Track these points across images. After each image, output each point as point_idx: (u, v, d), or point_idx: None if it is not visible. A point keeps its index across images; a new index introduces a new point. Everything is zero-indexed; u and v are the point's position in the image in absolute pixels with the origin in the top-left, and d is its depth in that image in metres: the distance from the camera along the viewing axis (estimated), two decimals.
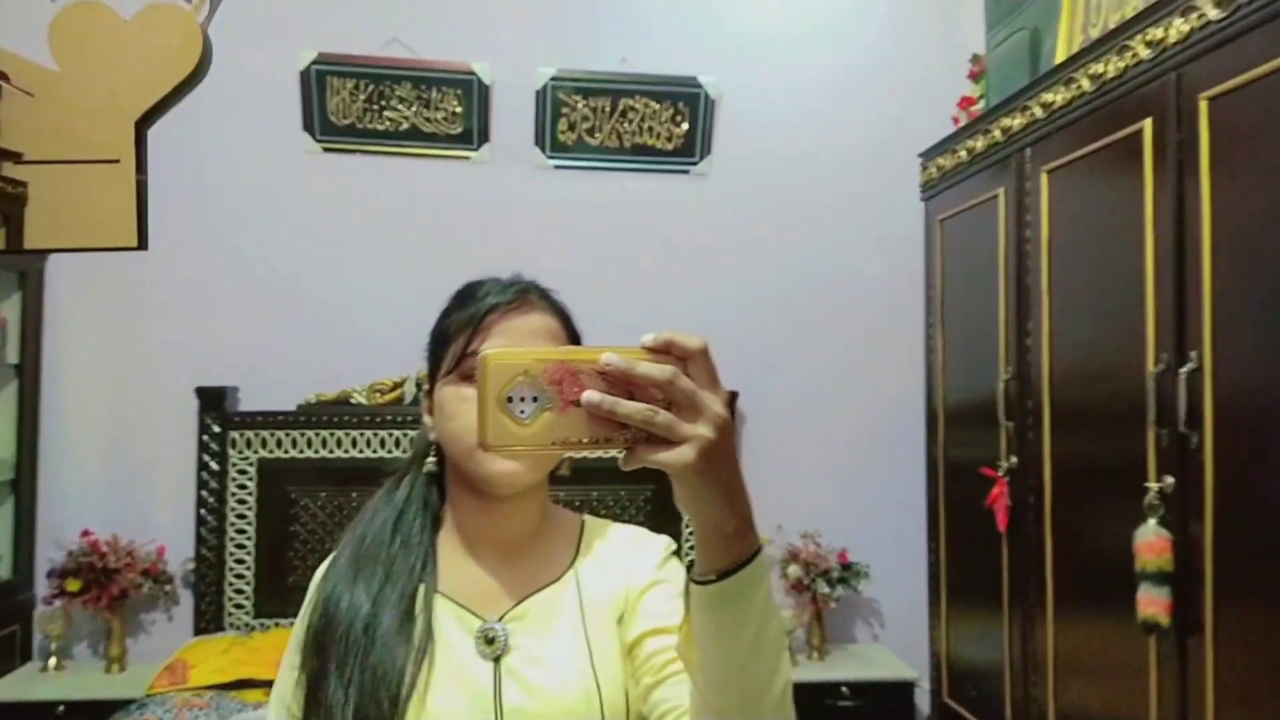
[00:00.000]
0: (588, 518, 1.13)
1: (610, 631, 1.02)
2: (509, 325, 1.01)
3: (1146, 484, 1.81)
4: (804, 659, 3.24)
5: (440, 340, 1.06)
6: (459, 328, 1.03)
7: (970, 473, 2.58)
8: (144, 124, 0.63)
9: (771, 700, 0.79)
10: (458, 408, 1.00)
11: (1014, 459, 2.38)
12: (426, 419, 1.09)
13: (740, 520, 0.72)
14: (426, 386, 1.09)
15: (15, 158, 0.77)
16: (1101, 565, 1.99)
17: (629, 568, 1.05)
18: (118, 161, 0.60)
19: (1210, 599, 1.68)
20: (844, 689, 3.09)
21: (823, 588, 3.20)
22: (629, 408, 0.66)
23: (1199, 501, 1.70)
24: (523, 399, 0.67)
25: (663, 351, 0.69)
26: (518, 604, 1.03)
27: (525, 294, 1.05)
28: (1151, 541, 1.75)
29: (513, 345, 0.95)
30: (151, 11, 0.56)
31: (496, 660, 1.00)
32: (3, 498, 3.23)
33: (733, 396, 3.34)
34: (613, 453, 0.69)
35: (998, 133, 2.46)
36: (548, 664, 1.00)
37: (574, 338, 1.08)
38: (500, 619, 1.02)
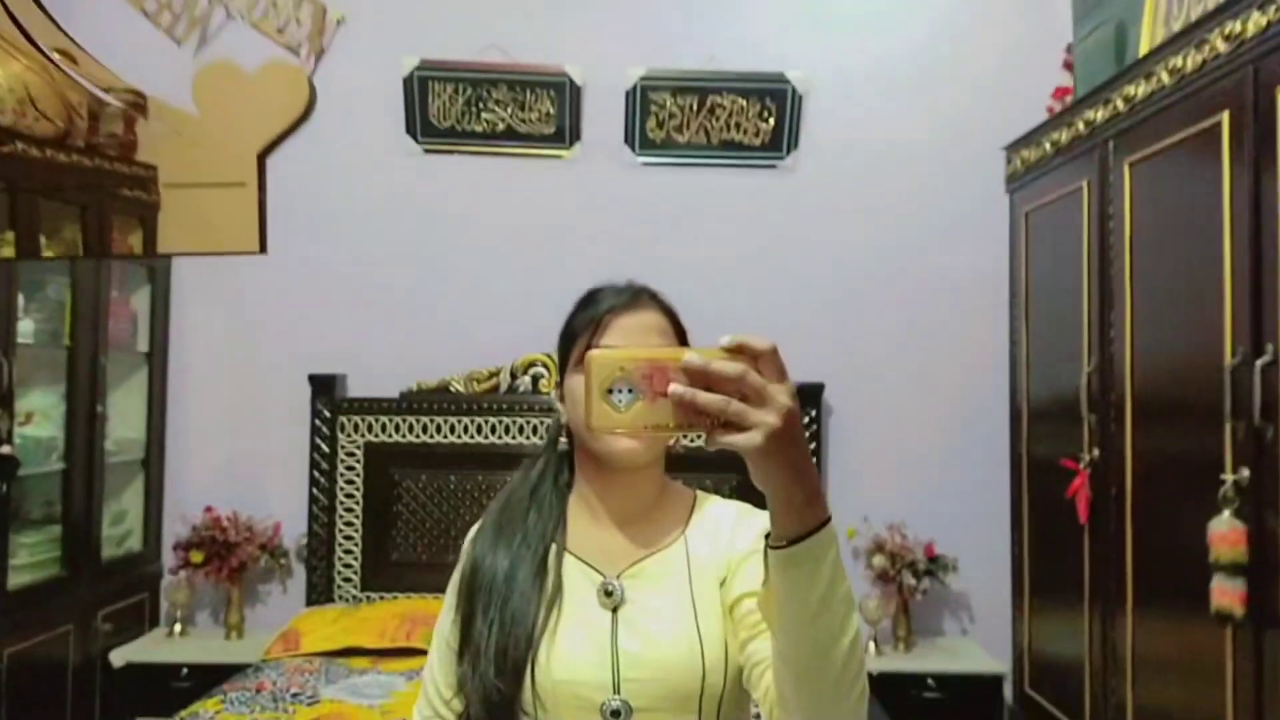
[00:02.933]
0: (700, 493, 1.27)
1: (713, 592, 1.15)
2: (624, 323, 1.16)
3: (1222, 476, 1.81)
4: (890, 650, 3.25)
5: (568, 338, 1.21)
6: (582, 327, 1.18)
7: (1053, 466, 2.58)
8: (264, 155, 0.76)
9: (840, 651, 0.90)
10: (581, 396, 1.12)
11: (1096, 451, 2.37)
12: (559, 406, 1.24)
13: (807, 494, 0.83)
14: (559, 378, 1.25)
15: (152, 169, 0.91)
16: (1179, 559, 1.99)
17: (733, 538, 1.18)
18: (244, 185, 0.73)
19: None
20: (930, 681, 3.09)
21: (909, 579, 3.21)
22: (707, 398, 0.78)
23: (1274, 493, 1.69)
24: (620, 390, 0.81)
25: (736, 351, 0.80)
26: (634, 564, 1.18)
27: (638, 296, 1.20)
28: (1225, 533, 1.75)
29: (626, 342, 1.14)
30: (270, 67, 0.68)
31: (614, 610, 1.15)
32: (134, 475, 3.47)
33: (819, 388, 3.38)
34: (695, 433, 0.82)
35: (1081, 125, 2.45)
36: (657, 616, 1.14)
37: (681, 333, 1.22)
38: (618, 576, 1.17)
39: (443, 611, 1.26)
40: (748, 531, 1.17)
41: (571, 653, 1.13)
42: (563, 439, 1.25)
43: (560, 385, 1.24)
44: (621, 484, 1.20)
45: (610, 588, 1.16)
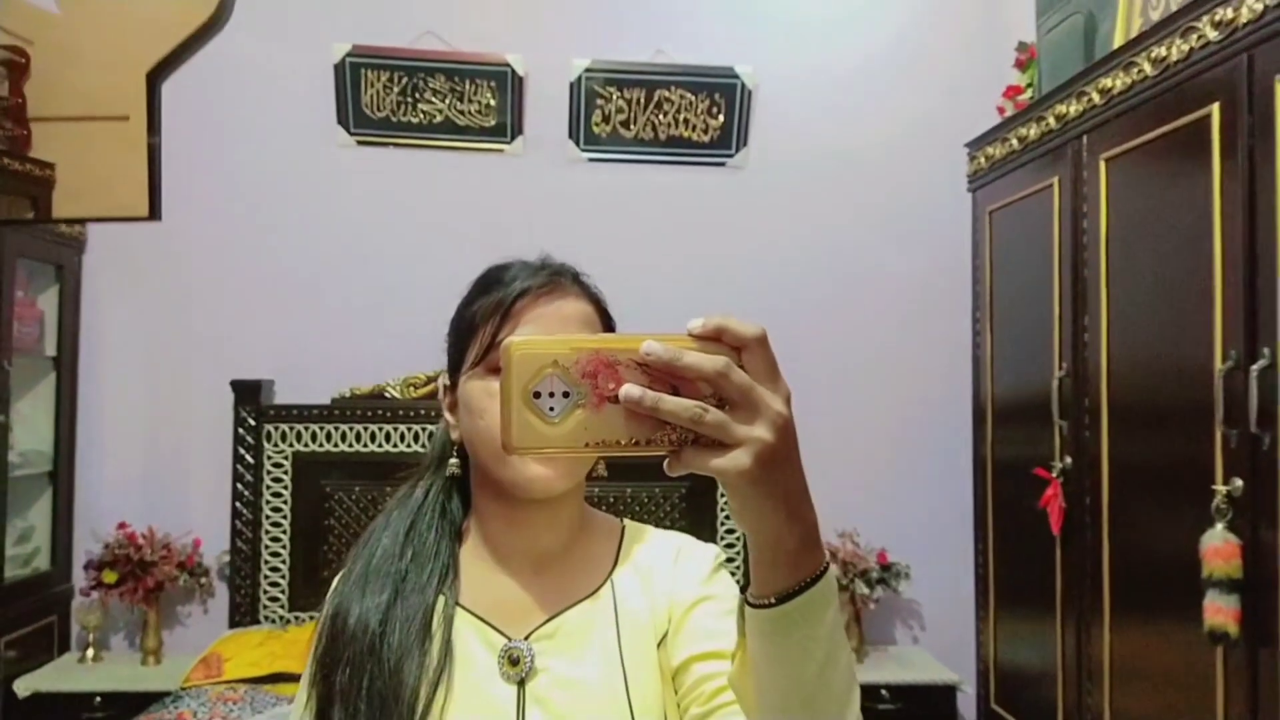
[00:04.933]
0: (628, 523, 1.04)
1: (649, 653, 0.93)
2: (540, 312, 0.93)
3: (1214, 487, 1.73)
4: None
5: (465, 329, 0.97)
6: (485, 315, 0.94)
7: (1020, 473, 2.51)
8: (157, 77, 0.57)
9: None
10: (486, 404, 0.91)
11: (1068, 459, 2.30)
12: (448, 416, 1.01)
13: (804, 535, 0.64)
14: (447, 381, 1.01)
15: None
16: (1164, 570, 1.92)
17: (673, 582, 0.96)
18: (127, 119, 0.54)
19: None
20: (884, 691, 3.02)
21: (861, 588, 3.14)
22: (674, 405, 0.59)
23: (1271, 506, 1.62)
24: (552, 394, 0.60)
25: (713, 340, 0.61)
26: (547, 621, 0.95)
27: (557, 277, 0.97)
28: (1220, 547, 1.67)
29: (543, 334, 0.90)
30: None
31: (521, 683, 0.92)
32: (40, 490, 3.24)
33: None
34: (656, 454, 0.61)
35: (1052, 120, 2.37)
36: (578, 689, 0.91)
37: (610, 327, 1.00)
38: (527, 637, 0.94)
39: (300, 686, 0.99)
40: (693, 571, 0.97)
41: None
42: (453, 460, 1.00)
43: (451, 390, 0.99)
44: (531, 519, 0.96)
45: (516, 654, 0.92)
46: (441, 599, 0.94)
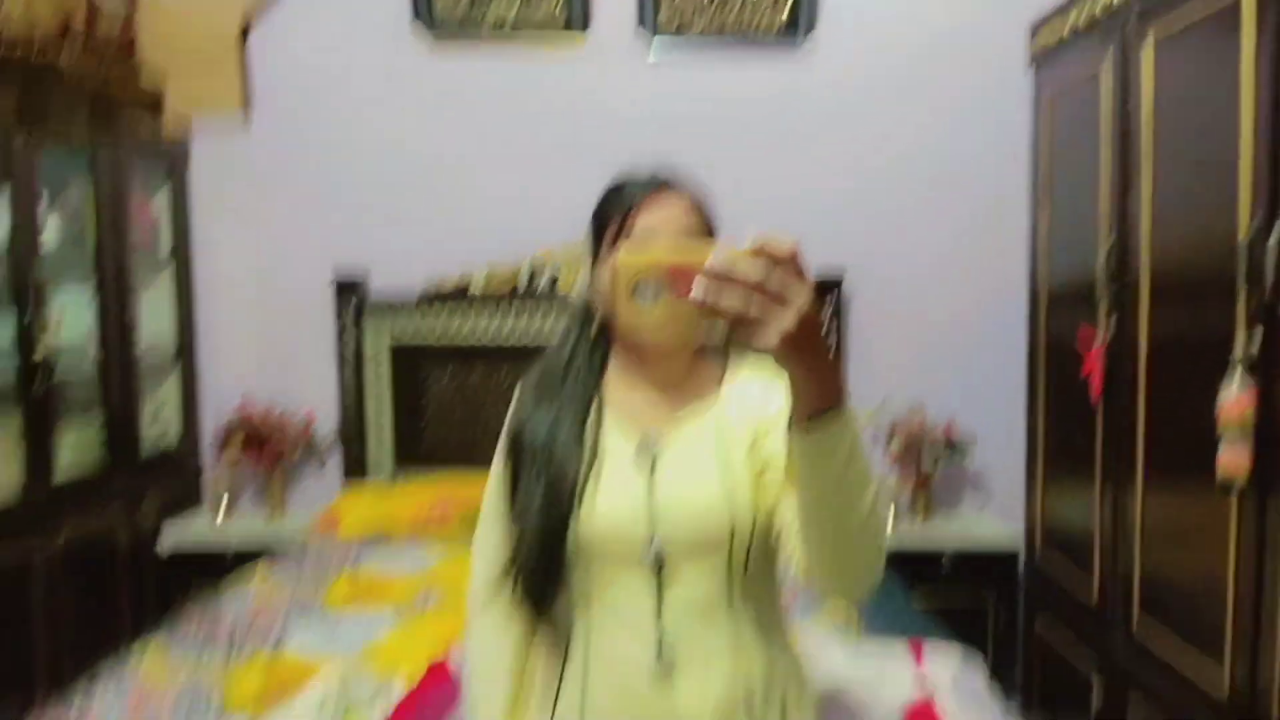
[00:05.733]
0: (735, 360, 1.34)
1: (741, 453, 1.25)
2: (651, 217, 1.23)
3: (1233, 348, 1.83)
4: (908, 525, 3.35)
5: (598, 226, 1.29)
6: (613, 214, 1.26)
7: (1069, 348, 2.60)
8: (245, 31, 0.79)
9: (860, 513, 1.00)
10: (612, 288, 1.21)
11: (1111, 332, 2.40)
12: (595, 281, 1.31)
13: (821, 384, 0.91)
14: (591, 261, 1.33)
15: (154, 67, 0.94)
16: (1188, 434, 2.02)
17: (760, 407, 1.26)
18: (224, 64, 0.76)
19: None
20: (947, 554, 3.22)
21: (927, 459, 3.29)
22: (727, 302, 0.85)
23: None
24: (646, 290, 0.92)
25: (758, 253, 0.85)
26: (669, 423, 1.28)
27: (662, 187, 1.26)
28: (1234, 399, 1.78)
29: (657, 225, 1.22)
30: None
31: (651, 466, 1.25)
32: (167, 373, 3.55)
33: (837, 282, 3.39)
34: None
35: (1110, 0, 2.39)
36: (688, 471, 1.25)
37: (709, 219, 1.29)
38: (655, 434, 1.27)
39: (493, 469, 1.37)
40: (774, 402, 1.25)
41: (612, 505, 1.23)
42: (598, 314, 1.32)
43: (594, 264, 1.31)
44: (653, 361, 1.29)
45: (647, 444, 1.26)
46: (593, 409, 1.30)
